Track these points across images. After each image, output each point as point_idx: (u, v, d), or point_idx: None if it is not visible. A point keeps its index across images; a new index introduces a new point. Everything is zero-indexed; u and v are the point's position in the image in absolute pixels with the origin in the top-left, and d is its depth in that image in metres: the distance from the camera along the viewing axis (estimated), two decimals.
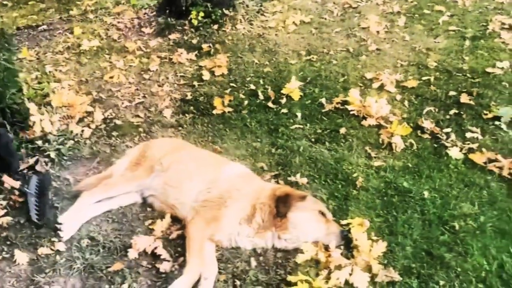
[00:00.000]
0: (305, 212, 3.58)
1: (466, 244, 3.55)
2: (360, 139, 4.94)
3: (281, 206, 3.57)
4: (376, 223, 3.75)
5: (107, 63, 6.96)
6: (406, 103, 5.54)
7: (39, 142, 4.93)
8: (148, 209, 4.09)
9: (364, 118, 5.23)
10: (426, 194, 4.06)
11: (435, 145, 4.77)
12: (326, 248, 3.50)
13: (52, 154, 4.80)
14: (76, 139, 5.13)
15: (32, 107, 5.30)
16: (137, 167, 4.15)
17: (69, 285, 3.39)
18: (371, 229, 3.64)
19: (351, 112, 5.34)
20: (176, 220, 3.89)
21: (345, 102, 5.51)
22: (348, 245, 3.54)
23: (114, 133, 5.25)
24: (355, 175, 4.33)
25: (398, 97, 5.66)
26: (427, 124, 5.02)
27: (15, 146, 4.85)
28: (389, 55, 6.81)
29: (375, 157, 4.63)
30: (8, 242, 3.69)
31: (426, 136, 4.92)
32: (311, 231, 3.56)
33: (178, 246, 3.65)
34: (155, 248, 3.59)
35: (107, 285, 3.37)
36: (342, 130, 5.05)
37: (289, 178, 4.32)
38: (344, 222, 3.71)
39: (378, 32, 7.47)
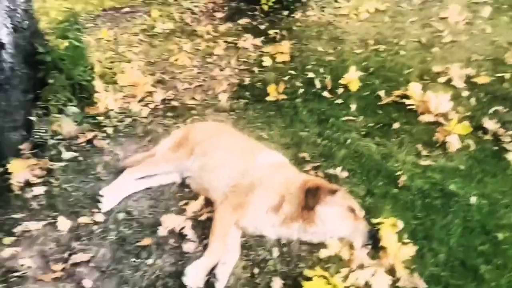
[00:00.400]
0: (334, 207, 3.46)
1: (507, 257, 3.26)
2: (413, 135, 4.67)
3: (309, 198, 3.48)
4: (411, 226, 3.55)
5: (175, 46, 7.16)
6: (472, 100, 5.15)
7: (101, 118, 5.19)
8: (186, 189, 4.17)
9: (422, 114, 4.93)
10: (473, 199, 3.77)
11: (495, 148, 4.40)
12: (352, 246, 3.37)
13: (109, 130, 5.05)
14: (133, 117, 5.34)
15: (99, 85, 5.57)
16: (179, 148, 4.25)
17: (100, 253, 3.55)
18: (404, 231, 3.44)
19: (409, 107, 5.07)
20: (209, 202, 3.94)
21: (404, 96, 5.24)
22: (375, 245, 3.38)
23: (169, 114, 5.41)
24: (399, 173, 4.12)
25: (465, 93, 5.27)
26: (491, 124, 4.64)
27: (80, 120, 5.17)
28: (464, 48, 6.35)
29: (425, 156, 4.36)
30: (54, 210, 3.93)
31: (487, 137, 4.55)
32: (338, 227, 3.44)
33: (206, 228, 3.70)
34: (183, 228, 3.66)
35: (133, 258, 3.49)
36: (395, 125, 4.81)
37: (328, 171, 4.18)
38: (375, 220, 3.53)
39: (456, 23, 6.99)
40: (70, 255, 3.51)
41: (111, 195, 3.99)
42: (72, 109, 5.27)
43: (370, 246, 3.40)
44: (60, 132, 4.95)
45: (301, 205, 3.51)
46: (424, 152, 4.39)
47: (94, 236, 3.69)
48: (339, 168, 4.20)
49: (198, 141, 4.22)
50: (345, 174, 4.15)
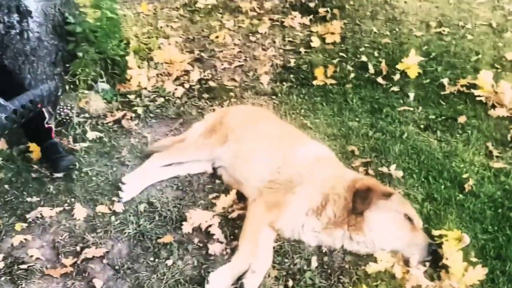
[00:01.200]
0: (387, 214, 2.92)
1: None
2: (483, 132, 4.02)
3: (358, 202, 2.94)
4: (480, 241, 2.95)
5: (217, 22, 6.67)
6: None
7: (132, 97, 4.80)
8: (217, 181, 3.72)
9: (493, 107, 4.26)
10: None
11: None
12: (406, 262, 2.81)
13: (140, 110, 4.65)
14: (167, 97, 4.91)
15: (133, 61, 5.16)
16: (211, 134, 3.78)
17: (116, 249, 3.15)
18: (471, 248, 2.87)
19: (478, 99, 4.41)
20: (242, 197, 3.46)
21: (472, 86, 4.58)
22: (435, 263, 2.81)
23: (205, 95, 4.95)
24: (465, 175, 3.50)
25: None
26: None
27: (110, 97, 4.81)
28: None
29: (497, 157, 3.72)
30: (71, 195, 3.56)
31: None
32: (391, 238, 2.90)
33: (236, 228, 3.23)
34: (210, 226, 3.20)
35: (152, 257, 3.07)
36: (461, 119, 4.16)
37: (381, 169, 3.61)
38: (436, 232, 2.96)
39: None
40: (82, 248, 3.12)
41: (134, 183, 3.57)
42: (102, 85, 4.93)
43: (428, 264, 2.82)
44: (87, 109, 4.60)
45: (348, 209, 2.99)
46: (496, 152, 3.75)
47: (111, 229, 3.28)
48: (393, 166, 3.62)
49: (233, 127, 3.74)
50: (400, 173, 3.57)
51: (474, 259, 2.79)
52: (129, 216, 3.37)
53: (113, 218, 3.36)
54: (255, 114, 3.87)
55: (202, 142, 3.77)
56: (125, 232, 3.25)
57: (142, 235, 3.22)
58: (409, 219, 2.92)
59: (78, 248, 3.13)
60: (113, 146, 4.12)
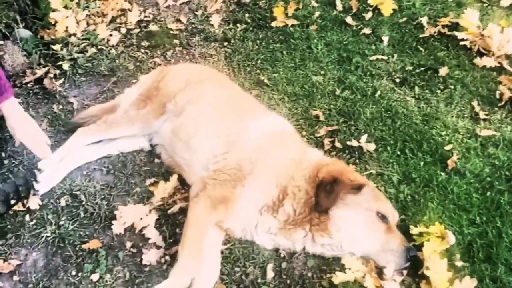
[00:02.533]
0: (357, 212, 2.40)
1: None
2: (467, 87, 3.45)
3: (323, 197, 2.40)
4: (466, 237, 2.47)
5: None
6: None
7: (57, 47, 3.97)
8: (156, 160, 3.10)
9: (480, 54, 3.65)
10: None
11: None
12: (380, 271, 2.32)
13: (66, 66, 3.88)
14: (99, 46, 4.12)
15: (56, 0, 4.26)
16: (146, 103, 3.10)
17: (30, 260, 2.59)
18: (456, 248, 2.38)
19: (461, 43, 3.77)
20: (186, 183, 2.87)
21: (454, 27, 3.91)
22: (415, 271, 2.34)
23: (145, 43, 4.17)
24: (448, 147, 2.97)
25: None
26: None
27: (31, 48, 3.99)
28: None
29: (484, 120, 3.17)
30: None
31: None
32: (362, 241, 2.40)
33: (177, 225, 2.68)
34: (145, 227, 2.63)
35: (74, 270, 2.51)
36: (443, 71, 3.56)
37: (350, 142, 3.03)
38: (415, 230, 2.46)
39: None
40: None
41: (53, 170, 2.91)
42: (22, 32, 4.10)
43: (406, 272, 2.35)
44: (2, 65, 3.80)
45: (310, 205, 2.45)
46: (482, 114, 3.20)
47: (24, 232, 2.68)
48: (364, 137, 3.04)
49: (171, 94, 3.06)
50: (372, 146, 3.01)
51: (459, 264, 2.32)
52: (47, 214, 2.77)
53: (27, 217, 2.75)
54: (198, 76, 3.14)
55: (134, 113, 3.09)
56: (42, 236, 2.67)
57: (62, 239, 2.66)
58: (383, 218, 2.39)
59: None
60: (31, 117, 3.37)
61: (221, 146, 2.67)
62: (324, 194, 2.40)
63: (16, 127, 2.73)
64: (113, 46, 4.18)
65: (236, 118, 2.79)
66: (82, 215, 2.77)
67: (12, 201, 2.68)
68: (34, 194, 2.82)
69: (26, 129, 2.76)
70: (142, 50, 4.12)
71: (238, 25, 4.32)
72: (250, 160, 2.57)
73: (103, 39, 4.24)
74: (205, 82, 3.08)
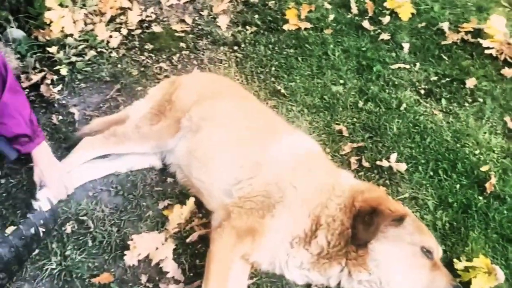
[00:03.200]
0: (399, 247, 2.19)
1: None
2: (497, 99, 3.27)
3: (361, 229, 2.18)
4: None
5: None
6: None
7: (53, 49, 3.67)
8: (169, 179, 2.84)
9: (507, 64, 3.47)
10: None
11: None
12: None
13: (64, 70, 3.58)
14: (99, 49, 3.82)
15: None
16: (159, 117, 2.84)
17: None
18: (505, 286, 2.19)
19: (487, 52, 3.58)
20: (203, 206, 2.64)
21: (477, 33, 3.72)
22: None
23: (148, 46, 3.89)
24: (484, 168, 2.78)
25: None
26: None
27: (25, 50, 3.70)
28: None
29: None
30: None
31: None
32: (404, 279, 2.18)
33: (197, 256, 2.44)
34: (162, 260, 2.39)
35: None
36: (470, 82, 3.37)
37: (379, 162, 2.82)
38: (460, 265, 2.27)
39: None
40: None
41: (54, 190, 2.64)
42: (14, 32, 3.80)
43: None
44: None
45: (347, 237, 2.23)
46: None
47: (27, 264, 2.41)
48: (393, 156, 2.82)
49: (187, 108, 2.80)
50: (403, 166, 2.80)
51: None
52: (51, 243, 2.49)
53: None
54: (213, 88, 2.89)
55: (148, 129, 2.83)
56: (46, 269, 2.40)
57: (69, 272, 2.39)
58: (428, 253, 2.19)
59: None
60: None
61: (245, 170, 2.44)
62: (362, 226, 2.19)
63: (46, 174, 2.60)
64: (113, 48, 3.89)
65: (259, 138, 2.56)
66: (90, 243, 2.51)
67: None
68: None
69: (54, 176, 2.62)
70: (146, 54, 3.84)
71: (247, 27, 4.08)
72: (278, 186, 2.34)
73: (103, 40, 3.95)
74: (221, 95, 2.83)
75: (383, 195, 2.39)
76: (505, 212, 2.55)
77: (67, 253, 2.47)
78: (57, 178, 2.63)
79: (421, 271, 2.18)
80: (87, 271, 2.40)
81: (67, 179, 2.68)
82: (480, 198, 2.63)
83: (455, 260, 2.32)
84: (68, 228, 2.57)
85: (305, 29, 3.97)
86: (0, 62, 2.43)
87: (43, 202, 2.53)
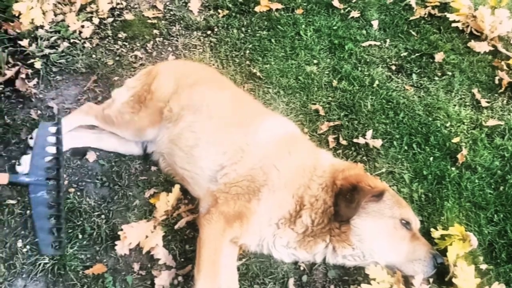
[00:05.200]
0: (380, 220, 2.30)
1: None
2: (465, 72, 3.39)
3: (343, 206, 2.29)
4: (486, 237, 2.44)
5: None
6: None
7: (25, 43, 3.63)
8: (153, 168, 2.90)
9: (473, 36, 3.58)
10: None
11: None
12: (406, 280, 2.26)
13: (38, 64, 3.55)
14: (72, 40, 3.80)
15: None
16: (139, 106, 2.87)
17: None
18: (479, 250, 2.34)
19: (453, 25, 3.70)
20: (189, 193, 2.71)
21: (444, 7, 3.82)
22: (441, 277, 2.29)
23: (121, 35, 3.89)
24: (455, 139, 2.91)
25: None
26: None
27: None
28: None
29: (486, 108, 3.13)
30: None
31: None
32: (386, 251, 2.31)
33: (186, 242, 2.54)
34: (153, 248, 2.46)
35: None
36: (439, 56, 3.48)
37: (355, 140, 2.92)
38: (437, 233, 2.41)
39: None
40: None
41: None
42: None
43: (431, 280, 2.30)
44: None
45: (329, 214, 2.34)
46: (484, 101, 3.15)
47: (19, 261, 2.45)
48: (369, 133, 2.94)
49: (166, 97, 2.84)
50: (378, 142, 2.91)
51: (483, 266, 2.29)
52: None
53: (19, 243, 2.51)
54: (194, 76, 2.92)
55: (129, 117, 2.87)
56: (39, 264, 2.45)
57: (63, 266, 2.44)
58: (407, 224, 2.32)
59: None
60: (8, 126, 3.10)
61: (228, 156, 2.51)
62: (344, 203, 2.30)
63: None
64: (86, 38, 3.87)
65: (239, 124, 2.62)
66: (80, 236, 2.57)
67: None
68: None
69: None
70: (120, 43, 3.84)
71: (219, 10, 4.09)
72: (262, 170, 2.43)
73: (75, 31, 3.92)
74: (199, 83, 2.87)
75: (362, 172, 2.51)
76: (476, 181, 2.69)
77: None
78: None
79: (402, 242, 2.31)
80: (80, 263, 2.46)
81: None
82: (453, 169, 2.77)
83: (432, 229, 2.45)
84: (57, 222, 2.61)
85: (277, 10, 4.01)
86: None
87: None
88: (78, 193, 2.76)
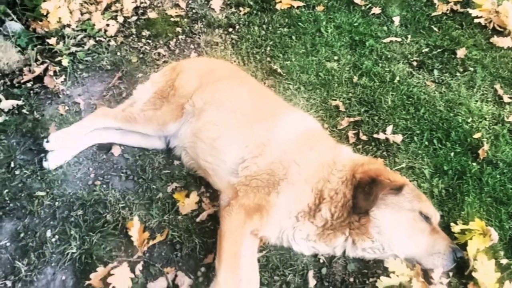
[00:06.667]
0: (399, 213, 2.32)
1: None
2: (487, 68, 3.36)
3: (361, 198, 2.31)
4: (507, 232, 2.43)
5: None
6: None
7: (53, 41, 3.76)
8: (176, 162, 2.97)
9: (495, 32, 3.56)
10: None
11: None
12: (426, 273, 2.28)
13: (65, 61, 3.67)
14: (98, 38, 3.91)
15: None
16: (162, 102, 2.95)
17: (58, 280, 2.45)
18: (499, 245, 2.34)
19: (476, 21, 3.67)
20: (211, 186, 2.77)
21: (466, 3, 3.80)
22: (459, 271, 2.30)
23: (145, 33, 3.98)
24: (477, 135, 2.90)
25: None
26: None
27: (24, 43, 3.79)
28: None
29: (509, 104, 3.11)
30: None
31: None
32: (406, 244, 2.33)
33: (207, 235, 2.57)
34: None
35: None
36: (461, 52, 3.46)
37: (375, 135, 2.94)
38: (456, 228, 2.41)
39: None
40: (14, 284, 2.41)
41: (65, 145, 2.89)
42: (12, 25, 3.87)
43: (451, 273, 2.31)
44: None
45: (349, 207, 2.36)
46: (506, 97, 3.13)
47: (48, 250, 2.54)
48: (390, 128, 2.95)
49: (189, 92, 2.91)
50: (399, 137, 2.92)
51: (504, 261, 2.29)
52: (70, 228, 2.62)
53: (48, 233, 2.60)
54: (216, 73, 2.99)
55: (152, 113, 2.94)
56: (67, 253, 2.53)
57: (89, 255, 2.52)
58: (426, 218, 2.33)
59: (8, 284, 2.42)
60: (37, 121, 3.22)
61: (249, 149, 2.55)
62: (362, 195, 2.32)
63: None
64: (111, 36, 3.98)
65: (261, 119, 2.66)
66: (105, 227, 2.65)
67: None
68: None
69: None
70: (144, 40, 3.93)
71: (240, 8, 4.15)
72: (282, 164, 2.46)
73: (100, 29, 4.04)
74: (221, 79, 2.93)
75: (381, 166, 2.52)
76: (498, 176, 2.68)
77: (85, 237, 2.61)
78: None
79: (421, 235, 2.31)
80: (106, 253, 2.54)
81: None
82: (474, 164, 2.76)
83: (452, 224, 2.45)
84: (83, 213, 2.70)
85: (297, 7, 4.05)
86: None
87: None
88: (104, 186, 2.85)
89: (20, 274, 2.45)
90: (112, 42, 3.89)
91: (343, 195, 2.38)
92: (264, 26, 3.92)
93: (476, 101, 3.13)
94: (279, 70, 3.48)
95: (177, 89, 2.94)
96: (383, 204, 2.33)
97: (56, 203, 2.72)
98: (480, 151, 2.78)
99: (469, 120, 3.00)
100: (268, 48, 3.69)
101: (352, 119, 3.08)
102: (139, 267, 2.45)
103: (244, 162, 2.54)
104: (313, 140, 2.60)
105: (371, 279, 2.36)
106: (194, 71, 3.02)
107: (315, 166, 2.46)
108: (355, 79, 3.34)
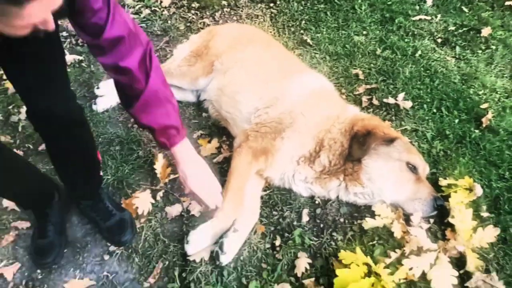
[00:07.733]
0: (388, 162, 2.55)
1: None
2: (509, 47, 3.45)
3: (355, 147, 2.57)
4: (494, 191, 2.59)
5: None
6: None
7: None
8: (204, 114, 3.34)
9: None
10: None
11: None
12: (408, 218, 2.50)
13: None
14: (153, 8, 4.37)
15: None
16: (196, 60, 3.33)
17: None
18: (483, 200, 2.51)
19: (507, 3, 3.75)
20: (231, 136, 3.12)
21: None
22: (441, 219, 2.50)
23: (195, 4, 4.38)
24: (484, 105, 3.04)
25: None
26: None
27: None
28: None
29: None
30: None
31: None
32: (391, 190, 2.56)
33: (221, 174, 2.92)
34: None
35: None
36: (485, 31, 3.57)
37: (386, 100, 3.16)
38: (444, 182, 2.60)
39: None
40: None
41: (110, 91, 3.33)
42: None
43: (433, 220, 2.52)
44: (65, 26, 4.14)
45: (345, 156, 2.62)
46: None
47: None
48: (401, 95, 3.15)
49: (219, 53, 3.26)
50: (409, 104, 3.12)
51: (485, 214, 2.46)
52: (107, 158, 3.05)
53: None
54: (245, 37, 3.33)
55: (186, 69, 3.33)
56: (103, 179, 2.96)
57: (121, 182, 2.94)
58: (413, 168, 2.55)
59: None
60: (93, 73, 3.71)
61: (263, 101, 2.87)
62: (357, 145, 2.57)
63: (190, 175, 2.26)
64: (165, 7, 4.41)
65: (278, 76, 2.97)
66: (136, 160, 3.06)
67: None
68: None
69: (200, 177, 2.30)
70: (193, 11, 4.33)
71: None
72: (290, 114, 2.76)
73: (156, 0, 4.48)
74: (251, 43, 3.27)
75: (380, 122, 2.75)
76: (496, 142, 2.82)
77: (120, 167, 3.04)
78: (203, 181, 2.34)
79: (406, 183, 2.54)
80: (134, 181, 2.96)
81: (214, 182, 2.39)
82: (476, 131, 2.91)
83: (440, 178, 2.64)
84: (119, 149, 3.14)
85: None
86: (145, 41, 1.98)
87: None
88: (140, 129, 3.28)
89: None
90: (165, 12, 4.33)
91: (341, 145, 2.64)
92: (303, 2, 4.20)
93: (491, 76, 3.25)
94: (309, 41, 3.75)
95: (210, 48, 3.31)
96: (375, 154, 2.57)
97: (99, 139, 3.16)
98: (483, 119, 2.92)
99: (480, 93, 3.13)
100: (303, 22, 3.97)
101: (368, 86, 3.30)
102: (160, 194, 2.84)
103: (257, 112, 2.87)
104: (322, 97, 2.87)
105: (359, 221, 2.60)
106: (226, 34, 3.38)
107: (320, 118, 2.73)
108: (379, 51, 3.55)
